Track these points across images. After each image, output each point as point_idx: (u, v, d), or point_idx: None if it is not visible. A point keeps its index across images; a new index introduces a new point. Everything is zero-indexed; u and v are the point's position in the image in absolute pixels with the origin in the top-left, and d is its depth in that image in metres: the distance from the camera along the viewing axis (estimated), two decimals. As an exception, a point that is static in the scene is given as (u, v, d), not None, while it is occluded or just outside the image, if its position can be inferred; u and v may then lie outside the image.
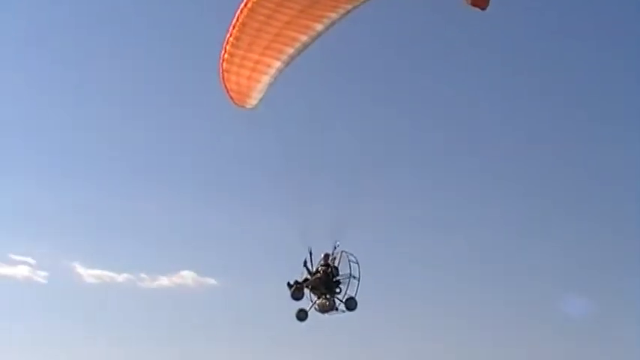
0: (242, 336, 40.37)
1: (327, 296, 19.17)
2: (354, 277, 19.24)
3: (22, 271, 45.72)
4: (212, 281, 44.91)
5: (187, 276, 45.27)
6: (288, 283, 19.20)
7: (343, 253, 19.44)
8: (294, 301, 19.15)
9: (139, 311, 44.06)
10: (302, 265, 19.25)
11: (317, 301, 19.30)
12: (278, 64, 20.02)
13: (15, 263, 45.77)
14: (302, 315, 19.24)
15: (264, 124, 20.79)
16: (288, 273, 18.25)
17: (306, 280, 19.22)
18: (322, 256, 19.52)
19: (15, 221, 45.58)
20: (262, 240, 44.58)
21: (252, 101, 20.63)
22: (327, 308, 19.24)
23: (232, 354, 40.58)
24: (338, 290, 19.28)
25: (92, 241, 45.40)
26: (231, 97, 20.52)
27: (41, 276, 45.51)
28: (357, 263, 19.34)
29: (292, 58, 19.86)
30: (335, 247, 19.47)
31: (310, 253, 19.30)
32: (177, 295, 45.00)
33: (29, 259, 45.13)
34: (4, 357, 40.26)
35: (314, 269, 19.37)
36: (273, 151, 20.03)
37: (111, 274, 45.83)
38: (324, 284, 19.14)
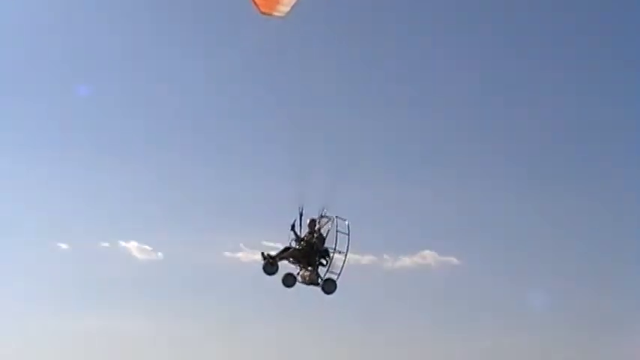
0: (481, 316, 39.32)
1: (310, 268, 16.27)
2: (339, 252, 16.08)
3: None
4: (454, 261, 43.53)
5: (428, 256, 43.19)
6: (262, 254, 16.49)
7: (336, 220, 16.20)
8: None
9: (386, 292, 42.47)
10: (290, 228, 16.44)
11: (300, 272, 16.56)
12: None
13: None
14: (289, 280, 16.59)
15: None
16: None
17: (285, 250, 16.36)
18: (308, 222, 16.55)
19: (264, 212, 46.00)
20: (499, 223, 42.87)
21: (283, 8, 17.23)
22: (308, 281, 16.46)
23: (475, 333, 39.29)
24: (324, 262, 16.33)
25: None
26: (256, 3, 17.18)
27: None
28: (348, 234, 16.18)
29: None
30: (321, 215, 16.31)
31: (301, 215, 16.34)
32: (418, 275, 43.27)
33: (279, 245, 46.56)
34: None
35: (302, 235, 16.45)
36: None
37: (356, 256, 45.49)
38: (305, 256, 16.22)
